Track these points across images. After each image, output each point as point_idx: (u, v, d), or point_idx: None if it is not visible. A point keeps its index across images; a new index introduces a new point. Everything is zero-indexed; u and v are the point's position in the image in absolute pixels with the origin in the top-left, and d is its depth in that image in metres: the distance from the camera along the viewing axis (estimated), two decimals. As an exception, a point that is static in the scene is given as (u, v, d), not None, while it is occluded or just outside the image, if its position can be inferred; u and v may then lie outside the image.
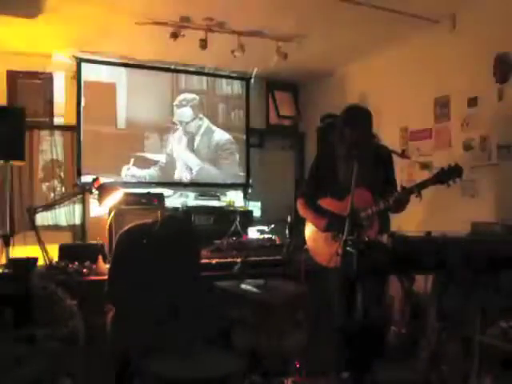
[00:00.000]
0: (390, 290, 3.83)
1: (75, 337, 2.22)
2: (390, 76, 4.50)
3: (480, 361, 2.60)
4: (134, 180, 4.97)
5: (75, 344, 2.21)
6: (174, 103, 5.25)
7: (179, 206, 4.92)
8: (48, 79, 4.78)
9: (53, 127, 4.80)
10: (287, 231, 3.92)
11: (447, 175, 2.57)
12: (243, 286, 2.77)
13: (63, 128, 4.84)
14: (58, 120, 4.82)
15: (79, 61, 4.77)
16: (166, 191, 4.94)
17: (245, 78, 5.54)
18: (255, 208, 5.45)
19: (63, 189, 4.80)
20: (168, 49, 4.44)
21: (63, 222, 4.77)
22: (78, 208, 4.81)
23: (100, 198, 3.37)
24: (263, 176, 5.64)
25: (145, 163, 5.06)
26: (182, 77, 5.30)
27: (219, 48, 4.23)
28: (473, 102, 3.63)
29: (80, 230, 4.78)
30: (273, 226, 4.37)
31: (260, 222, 4.94)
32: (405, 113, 4.30)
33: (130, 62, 4.99)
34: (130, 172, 4.97)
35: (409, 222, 3.16)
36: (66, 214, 4.77)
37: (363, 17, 3.74)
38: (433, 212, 3.73)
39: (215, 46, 4.17)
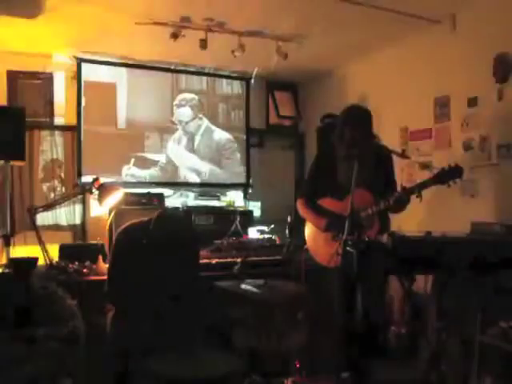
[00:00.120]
0: (390, 290, 3.83)
1: (75, 337, 2.22)
2: (390, 76, 4.50)
3: (480, 361, 2.60)
4: (134, 180, 4.98)
5: (75, 344, 2.21)
6: (174, 103, 5.25)
7: (179, 205, 4.93)
8: (48, 79, 4.77)
9: (53, 127, 4.79)
10: (287, 231, 3.91)
11: (447, 175, 2.57)
12: (243, 285, 2.76)
13: (63, 128, 4.83)
14: (58, 120, 4.81)
15: (79, 61, 4.77)
16: (166, 191, 4.94)
17: (245, 78, 5.53)
18: (255, 208, 5.44)
19: (63, 189, 4.79)
20: (168, 49, 4.44)
21: (63, 222, 4.77)
22: (78, 208, 4.81)
23: (100, 198, 3.38)
24: (263, 176, 5.63)
25: (145, 163, 5.06)
26: (182, 77, 5.29)
27: (219, 48, 4.23)
28: (473, 101, 3.63)
29: (80, 230, 4.78)
30: (273, 226, 4.38)
31: (260, 222, 4.94)
32: (405, 113, 4.30)
33: (130, 62, 4.99)
34: (130, 172, 4.98)
35: (409, 221, 3.16)
36: (66, 214, 4.76)
37: (363, 17, 3.74)
38: (433, 212, 3.73)
39: (215, 46, 4.17)
